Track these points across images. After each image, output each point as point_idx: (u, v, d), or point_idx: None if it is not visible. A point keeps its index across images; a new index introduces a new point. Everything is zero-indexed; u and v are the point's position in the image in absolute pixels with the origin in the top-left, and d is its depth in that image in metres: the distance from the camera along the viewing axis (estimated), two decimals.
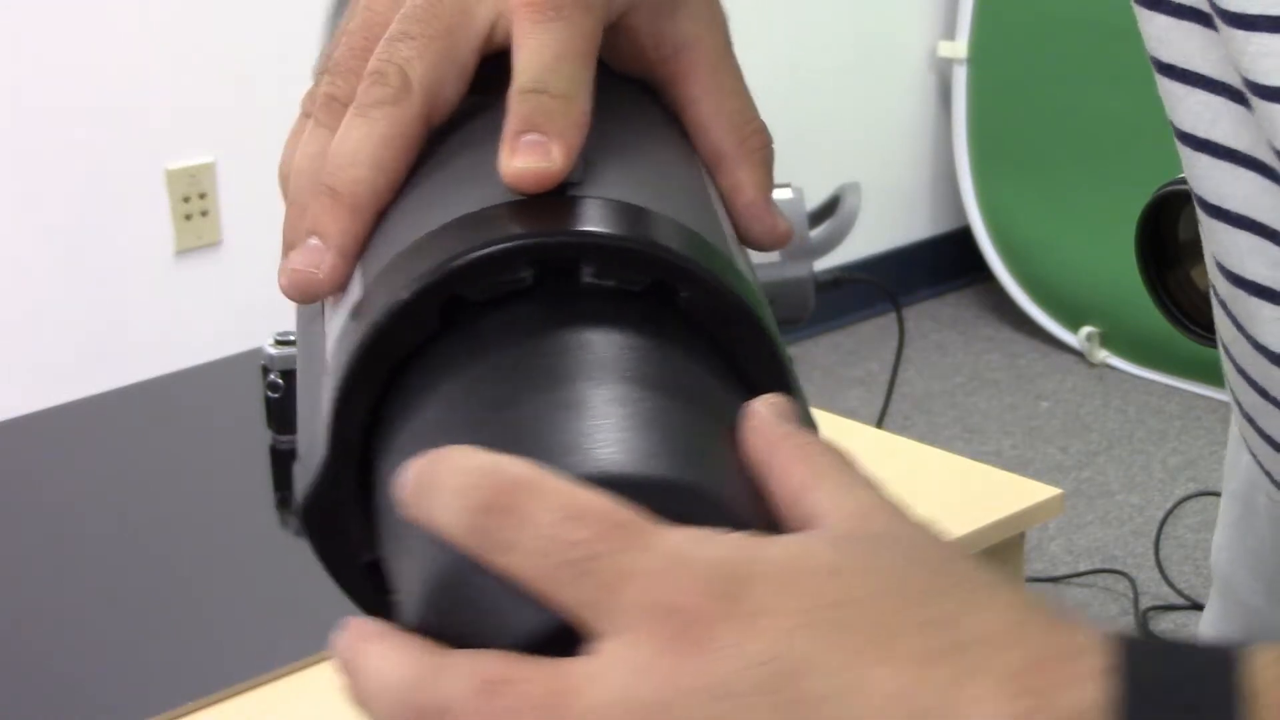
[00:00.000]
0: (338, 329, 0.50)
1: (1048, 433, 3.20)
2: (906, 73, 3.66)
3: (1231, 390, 0.74)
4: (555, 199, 0.50)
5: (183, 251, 2.78)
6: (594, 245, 0.48)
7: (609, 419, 0.45)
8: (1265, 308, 0.65)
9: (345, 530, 0.49)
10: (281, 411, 1.43)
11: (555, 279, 0.48)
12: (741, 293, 0.49)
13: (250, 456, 1.46)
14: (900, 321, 2.03)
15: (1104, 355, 3.44)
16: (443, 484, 0.42)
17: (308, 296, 0.52)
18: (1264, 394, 0.69)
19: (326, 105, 0.53)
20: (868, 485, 0.45)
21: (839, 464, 0.45)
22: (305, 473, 0.49)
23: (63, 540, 1.35)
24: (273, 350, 1.42)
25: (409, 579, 0.45)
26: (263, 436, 1.45)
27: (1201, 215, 0.67)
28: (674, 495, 0.43)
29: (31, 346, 2.65)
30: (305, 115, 0.55)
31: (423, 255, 0.48)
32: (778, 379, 0.49)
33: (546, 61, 0.52)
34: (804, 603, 0.41)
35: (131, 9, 2.62)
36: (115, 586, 1.29)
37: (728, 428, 0.46)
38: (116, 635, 1.23)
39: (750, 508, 0.44)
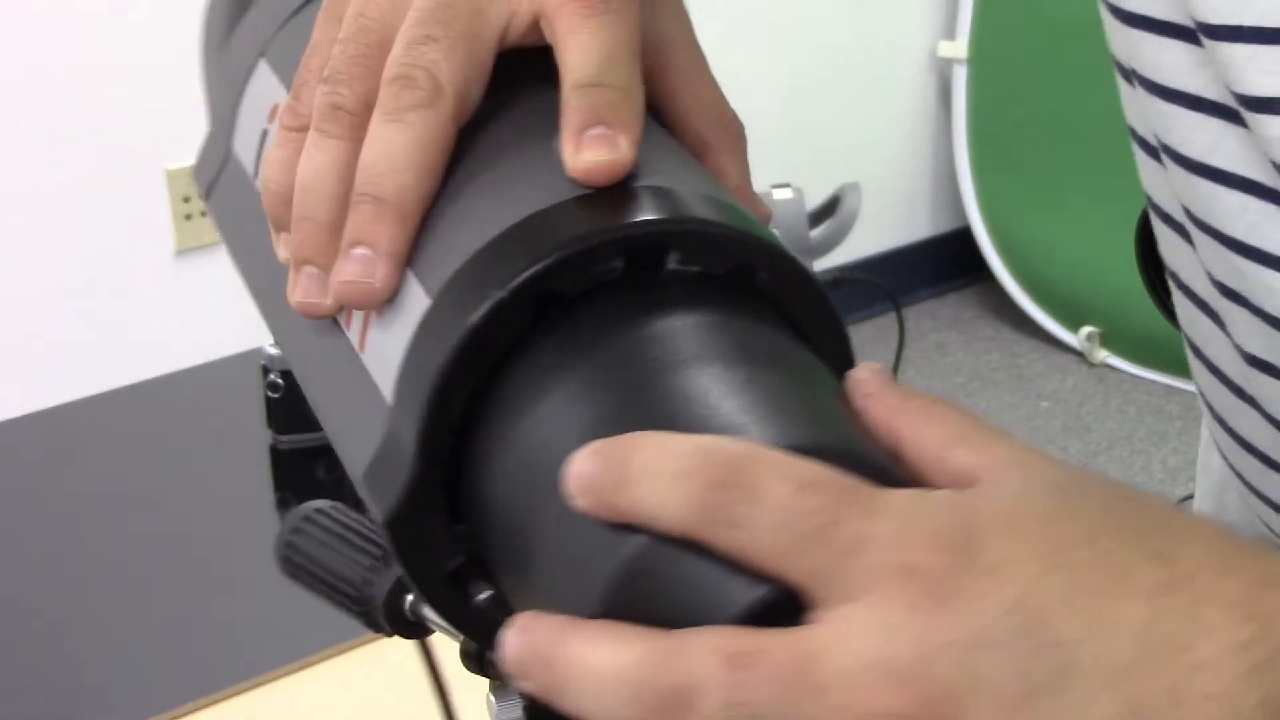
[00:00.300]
0: (402, 339, 0.49)
1: (1048, 433, 3.20)
2: (906, 73, 3.66)
3: (1202, 392, 0.75)
4: (624, 190, 0.50)
5: (183, 251, 2.78)
6: (687, 232, 0.48)
7: (757, 397, 0.45)
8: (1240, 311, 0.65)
9: (430, 538, 0.49)
10: (281, 411, 1.43)
11: (639, 268, 0.48)
12: (811, 273, 0.50)
13: (250, 456, 1.46)
14: (900, 321, 2.03)
15: (1104, 355, 3.44)
16: (655, 468, 0.42)
17: (362, 307, 0.51)
18: (1239, 393, 0.69)
19: (331, 115, 0.53)
20: (1004, 435, 0.46)
21: (969, 419, 0.46)
22: (384, 485, 0.48)
23: (63, 540, 1.35)
24: (273, 350, 1.43)
25: (571, 572, 0.44)
26: (263, 436, 1.45)
27: (1189, 225, 0.68)
28: (850, 462, 0.44)
29: (31, 346, 2.65)
30: (291, 130, 0.55)
31: (507, 254, 0.48)
32: (845, 355, 0.51)
33: (602, 55, 0.52)
34: (1039, 549, 0.42)
35: (133, 9, 2.62)
36: (115, 586, 1.29)
37: (839, 399, 0.47)
38: (116, 635, 1.23)
39: (902, 471, 0.45)
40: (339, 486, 1.41)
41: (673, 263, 0.48)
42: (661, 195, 0.50)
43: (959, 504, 0.42)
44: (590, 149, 0.50)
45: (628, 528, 0.43)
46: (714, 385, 0.46)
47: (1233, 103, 0.63)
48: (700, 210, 0.49)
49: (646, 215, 0.49)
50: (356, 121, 0.53)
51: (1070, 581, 0.41)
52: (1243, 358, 0.68)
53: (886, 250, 3.69)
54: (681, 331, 0.47)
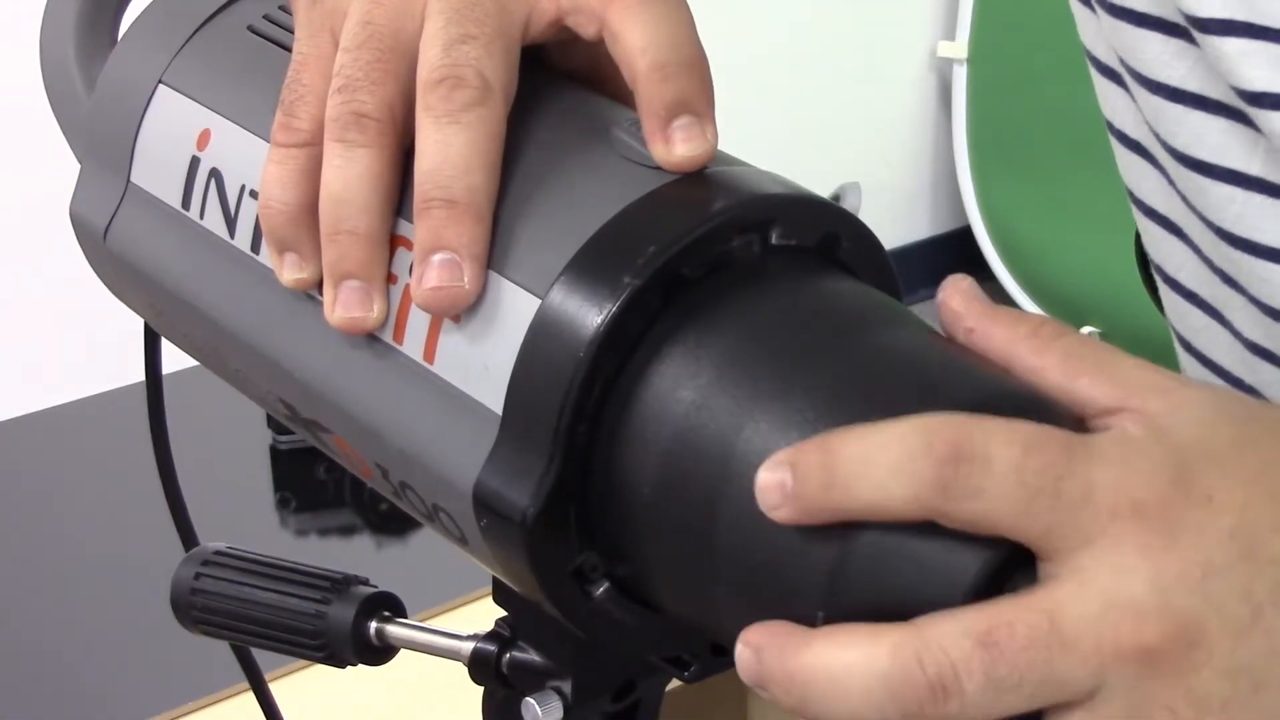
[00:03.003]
0: (506, 341, 0.49)
1: None
2: (906, 73, 3.66)
3: None
4: (710, 172, 0.50)
5: None
6: (794, 204, 0.49)
7: (923, 353, 0.46)
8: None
9: (562, 537, 0.49)
10: None
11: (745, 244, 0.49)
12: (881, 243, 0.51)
13: (250, 456, 1.46)
14: None
15: None
16: (870, 459, 0.42)
17: (451, 312, 0.51)
18: (1236, 385, 0.70)
19: (356, 124, 0.52)
20: (1117, 355, 0.47)
21: (1079, 341, 0.47)
22: (516, 486, 0.48)
23: (63, 540, 1.35)
24: None
25: (785, 575, 0.44)
26: (263, 436, 1.45)
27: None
28: (1036, 408, 0.45)
29: (31, 346, 2.65)
30: (288, 146, 0.54)
31: (627, 241, 0.48)
32: None
33: (674, 34, 0.52)
34: (1240, 475, 0.43)
35: (135, 9, 2.61)
36: (115, 586, 1.28)
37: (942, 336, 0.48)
38: (116, 635, 1.23)
39: (1066, 407, 0.46)
40: (339, 486, 1.41)
41: (776, 237, 0.49)
42: (749, 173, 0.51)
43: (1161, 440, 0.44)
44: (683, 143, 0.50)
45: (837, 526, 0.43)
46: (882, 349, 0.46)
47: (1214, 94, 0.63)
48: (792, 187, 0.50)
49: (753, 192, 0.49)
50: (383, 128, 0.52)
51: (1274, 504, 0.43)
52: (1245, 346, 0.68)
53: (886, 250, 3.68)
54: (830, 300, 0.48)
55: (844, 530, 0.43)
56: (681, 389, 0.46)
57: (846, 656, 0.42)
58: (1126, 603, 0.42)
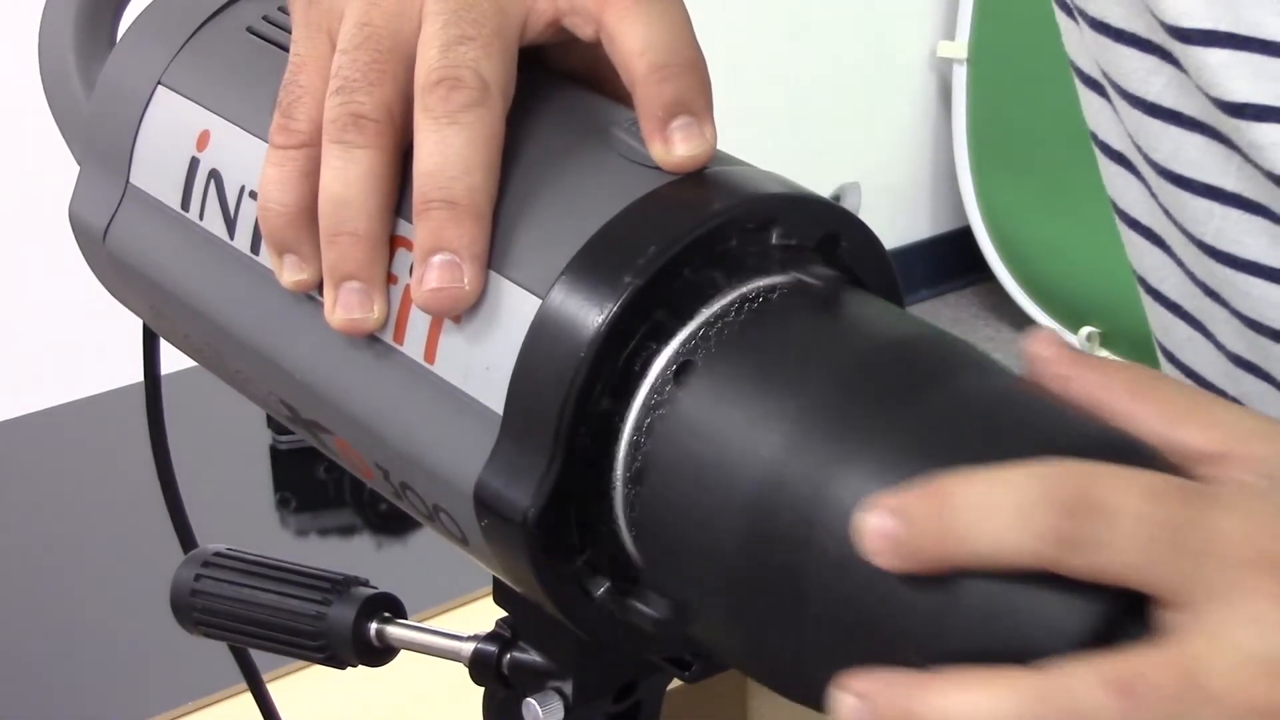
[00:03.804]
0: (506, 341, 0.49)
1: None
2: (906, 73, 3.66)
3: None
4: (710, 171, 0.50)
5: None
6: (796, 204, 0.49)
7: (1016, 397, 0.45)
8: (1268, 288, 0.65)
9: (563, 537, 0.49)
10: None
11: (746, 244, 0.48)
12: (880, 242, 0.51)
13: (250, 456, 1.46)
14: None
15: (1104, 355, 3.44)
16: (988, 507, 0.41)
17: (452, 313, 0.51)
18: (1220, 395, 0.70)
19: (355, 125, 0.52)
20: (1216, 401, 0.46)
21: (1173, 388, 0.46)
22: (518, 486, 0.48)
23: (62, 540, 1.35)
24: None
25: (885, 621, 0.42)
26: (263, 436, 1.45)
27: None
28: (1136, 452, 0.44)
29: (31, 346, 2.65)
30: (286, 148, 0.54)
31: (628, 241, 0.48)
32: None
33: (671, 35, 0.51)
34: None
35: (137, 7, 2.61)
36: (115, 586, 1.28)
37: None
38: (116, 635, 1.23)
39: (1164, 455, 0.45)
40: (339, 486, 1.41)
41: (776, 237, 0.49)
42: (749, 173, 0.51)
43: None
44: (682, 143, 0.50)
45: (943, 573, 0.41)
46: (982, 393, 0.45)
47: (1189, 110, 0.63)
48: (791, 186, 0.50)
49: (754, 192, 0.49)
50: (381, 129, 0.52)
51: None
52: (1228, 358, 0.68)
53: (886, 250, 3.68)
54: (908, 335, 0.47)
55: (949, 576, 0.42)
56: (753, 426, 0.45)
57: (971, 701, 0.41)
58: (1264, 657, 0.41)
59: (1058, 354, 0.46)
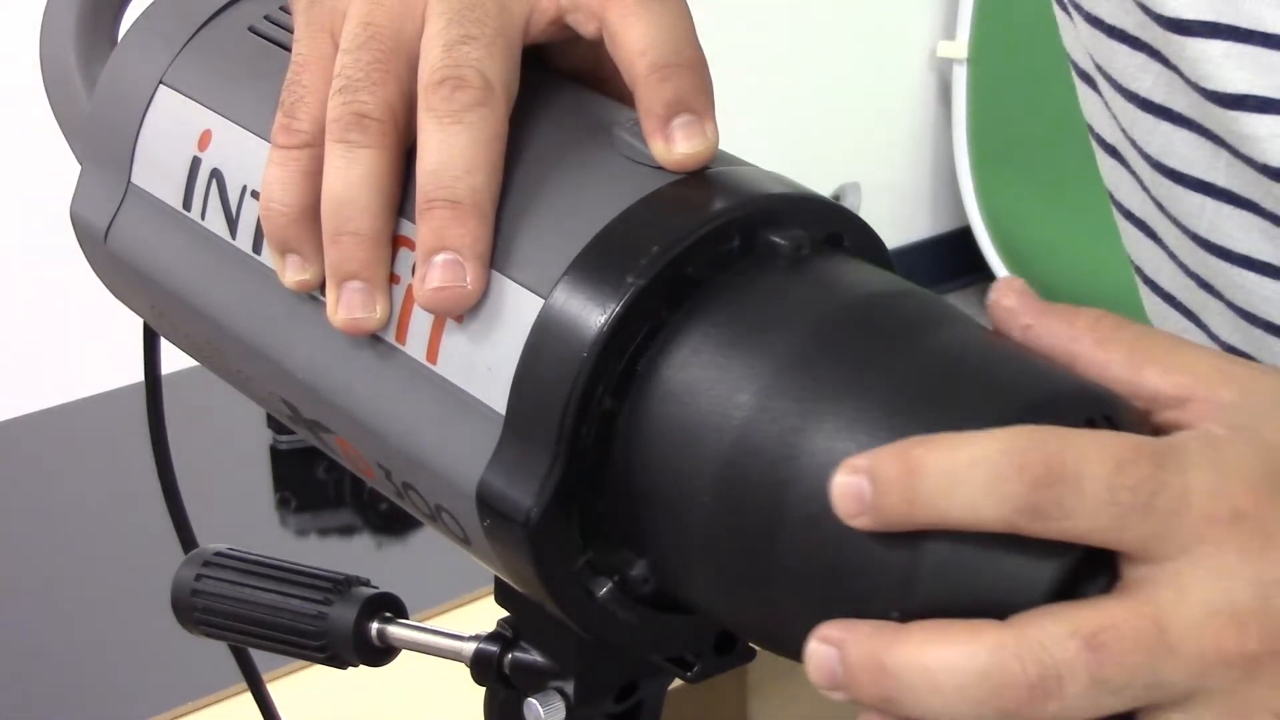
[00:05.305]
0: (508, 341, 0.49)
1: None
2: (906, 73, 3.66)
3: None
4: (712, 171, 0.50)
5: None
6: (799, 203, 0.49)
7: (985, 350, 0.46)
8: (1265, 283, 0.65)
9: (566, 537, 0.49)
10: None
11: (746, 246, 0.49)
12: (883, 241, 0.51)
13: (250, 456, 1.46)
14: None
15: None
16: (959, 475, 0.42)
17: (454, 312, 0.51)
18: None
19: (358, 124, 0.52)
20: (1181, 343, 0.46)
21: (1140, 331, 0.46)
22: (520, 486, 0.48)
23: (63, 540, 1.35)
24: None
25: (858, 575, 0.43)
26: (263, 436, 1.45)
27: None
28: (1105, 402, 0.44)
29: (31, 346, 2.65)
30: (288, 148, 0.54)
31: (631, 240, 0.48)
32: None
33: (673, 34, 0.52)
34: None
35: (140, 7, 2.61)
36: (115, 586, 1.28)
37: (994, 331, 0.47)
38: (116, 635, 1.23)
39: (1135, 405, 0.46)
40: (339, 486, 1.41)
41: (778, 236, 0.49)
42: (751, 173, 0.51)
43: (1248, 439, 0.44)
44: (683, 141, 0.50)
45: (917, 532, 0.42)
46: (952, 348, 0.46)
47: (1178, 107, 0.63)
48: (794, 186, 0.50)
49: (756, 191, 0.49)
50: (384, 129, 0.52)
51: None
52: (1223, 349, 0.68)
53: (888, 250, 3.68)
54: (879, 292, 0.48)
55: (920, 532, 0.42)
56: (737, 392, 0.46)
57: (945, 652, 0.41)
58: (1229, 609, 0.42)
59: (1022, 302, 0.47)
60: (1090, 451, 0.42)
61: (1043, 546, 0.42)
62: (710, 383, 0.46)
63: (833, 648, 0.42)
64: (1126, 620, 0.41)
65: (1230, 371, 0.45)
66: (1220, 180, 0.63)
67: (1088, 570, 0.43)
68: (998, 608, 0.42)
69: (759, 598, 0.46)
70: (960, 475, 0.42)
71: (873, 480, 0.42)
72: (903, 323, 0.46)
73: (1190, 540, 0.42)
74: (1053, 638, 0.41)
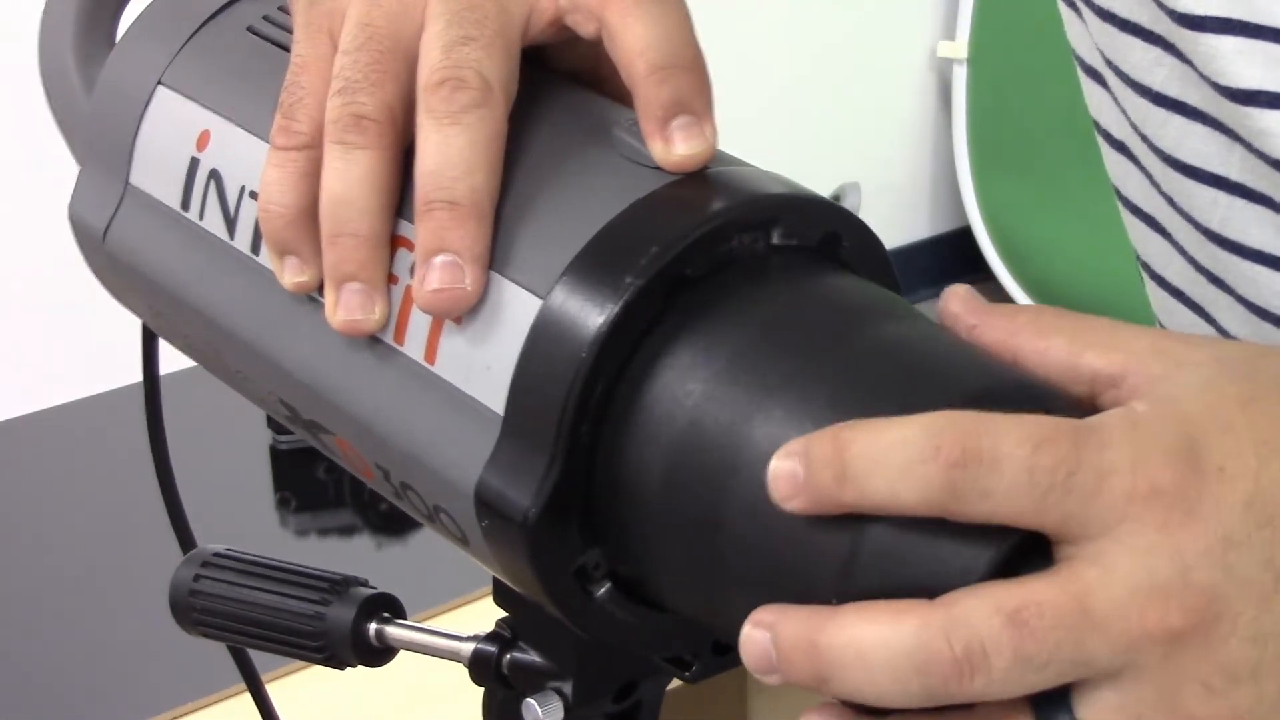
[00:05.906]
0: (506, 341, 0.49)
1: None
2: (906, 73, 3.66)
3: None
4: (712, 172, 0.51)
5: None
6: (798, 204, 0.49)
7: (928, 344, 0.47)
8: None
9: (564, 537, 0.49)
10: None
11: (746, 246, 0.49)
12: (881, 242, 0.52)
13: (250, 456, 1.46)
14: None
15: None
16: (881, 458, 0.43)
17: (453, 314, 0.51)
18: None
19: (356, 125, 0.52)
20: (1115, 325, 0.47)
21: (1078, 319, 0.47)
22: (518, 486, 0.48)
23: (62, 540, 1.35)
24: None
25: (796, 562, 0.44)
26: (263, 436, 1.45)
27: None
28: (1039, 392, 0.45)
29: (31, 346, 2.65)
30: (287, 149, 0.54)
31: (630, 241, 0.48)
32: None
33: (672, 35, 0.52)
34: (1252, 439, 0.44)
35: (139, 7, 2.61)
36: (115, 586, 1.28)
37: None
38: (116, 635, 1.23)
39: (1068, 392, 0.46)
40: (339, 486, 1.41)
41: (776, 237, 0.49)
42: (750, 173, 0.51)
43: (1168, 414, 0.44)
44: (682, 142, 0.50)
45: (850, 515, 0.43)
46: (886, 343, 0.46)
47: (1192, 100, 0.63)
48: (793, 187, 0.51)
49: (755, 192, 0.50)
50: (383, 130, 0.52)
51: None
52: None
53: (886, 250, 3.68)
54: (829, 297, 0.48)
55: (857, 519, 0.43)
56: (689, 383, 0.47)
57: (872, 631, 0.42)
58: (1151, 585, 0.42)
59: (967, 306, 0.48)
60: (1009, 434, 0.43)
61: (980, 533, 0.43)
62: (671, 379, 0.47)
63: (766, 631, 0.43)
64: (1050, 597, 0.42)
65: (1163, 346, 0.46)
66: (1234, 175, 0.64)
67: (1025, 556, 0.43)
68: (937, 594, 0.43)
69: (712, 588, 0.46)
70: (881, 457, 0.43)
71: (804, 462, 0.43)
72: (852, 317, 0.47)
73: (1112, 518, 0.43)
74: (977, 614, 0.42)
